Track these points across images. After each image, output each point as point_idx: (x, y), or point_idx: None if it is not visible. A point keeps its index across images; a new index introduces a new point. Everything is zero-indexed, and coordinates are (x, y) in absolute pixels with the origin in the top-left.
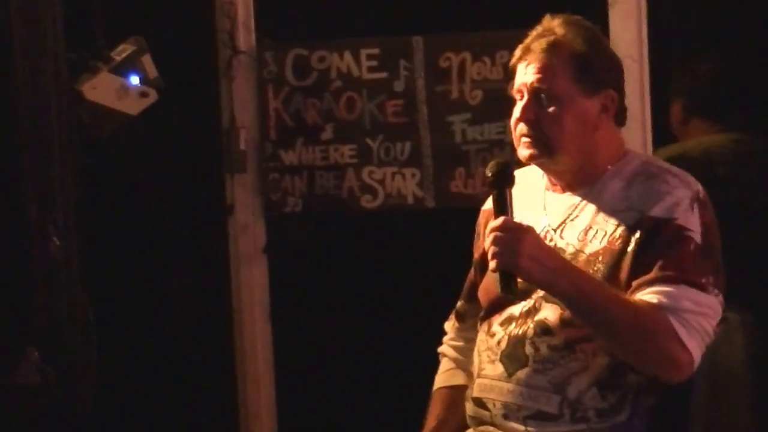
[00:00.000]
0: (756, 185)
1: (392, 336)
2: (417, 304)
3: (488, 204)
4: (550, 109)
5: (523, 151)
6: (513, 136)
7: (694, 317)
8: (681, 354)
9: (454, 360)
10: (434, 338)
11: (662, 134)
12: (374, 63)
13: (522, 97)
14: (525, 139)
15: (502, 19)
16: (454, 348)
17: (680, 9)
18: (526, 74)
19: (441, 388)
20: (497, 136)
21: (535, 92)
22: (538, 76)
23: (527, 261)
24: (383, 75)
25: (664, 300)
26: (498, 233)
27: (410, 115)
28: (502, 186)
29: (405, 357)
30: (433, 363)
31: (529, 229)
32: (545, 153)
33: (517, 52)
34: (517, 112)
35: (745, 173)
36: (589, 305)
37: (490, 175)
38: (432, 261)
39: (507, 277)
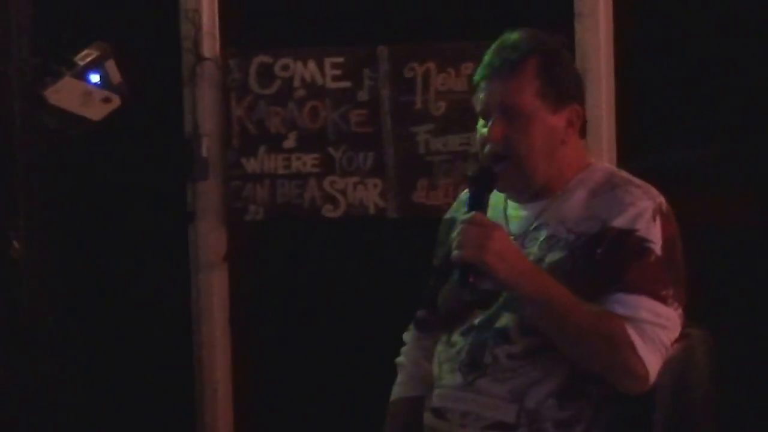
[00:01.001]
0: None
1: (352, 346)
2: (378, 315)
3: (449, 213)
4: (518, 127)
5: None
6: (480, 154)
7: (652, 328)
8: (637, 365)
9: (412, 370)
10: (394, 349)
11: (626, 147)
12: (338, 72)
13: (488, 115)
14: (494, 158)
15: (467, 30)
16: (412, 358)
17: (646, 22)
18: (491, 92)
19: (398, 399)
20: (461, 147)
21: (502, 110)
22: (505, 94)
23: (494, 257)
24: (347, 84)
25: (622, 309)
26: (468, 226)
27: (374, 125)
28: (481, 186)
29: (365, 367)
30: (393, 373)
31: (499, 227)
32: (515, 171)
33: (480, 70)
34: (484, 130)
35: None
36: (551, 310)
37: (472, 173)
38: (393, 272)
39: (466, 272)
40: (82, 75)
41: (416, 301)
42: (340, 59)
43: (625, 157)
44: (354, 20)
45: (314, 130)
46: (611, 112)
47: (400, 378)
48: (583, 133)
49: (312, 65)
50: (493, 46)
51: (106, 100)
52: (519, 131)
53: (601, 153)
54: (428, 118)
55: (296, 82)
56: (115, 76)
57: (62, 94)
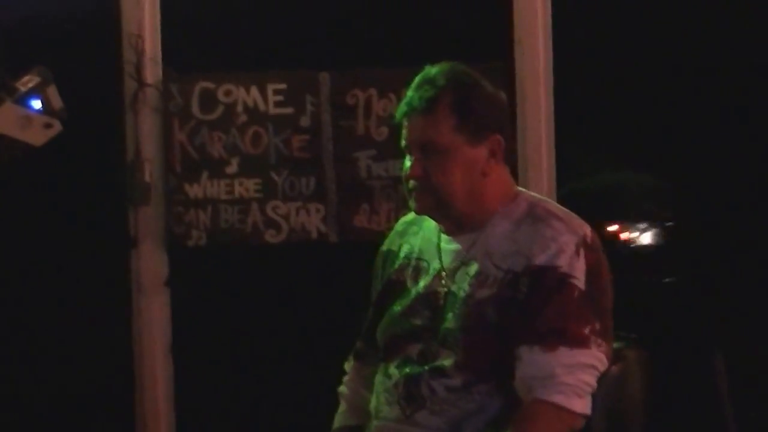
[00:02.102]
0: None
1: (295, 372)
2: (320, 340)
3: (386, 245)
4: (437, 162)
5: (414, 204)
6: (404, 190)
7: (569, 377)
8: (570, 419)
9: (352, 399)
10: (336, 375)
11: (566, 172)
12: (281, 98)
13: (410, 152)
14: (416, 194)
15: (408, 56)
16: (353, 388)
17: (584, 49)
18: (410, 130)
19: (339, 427)
20: (402, 172)
21: (421, 147)
22: (422, 130)
23: None
24: (289, 110)
25: (537, 371)
26: None
27: (315, 150)
28: None
29: (306, 393)
30: (334, 400)
31: None
32: (436, 205)
33: (401, 108)
34: (406, 168)
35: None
36: None
37: None
38: (335, 297)
39: None
40: (22, 101)
41: (358, 328)
42: (283, 85)
43: (564, 182)
44: (296, 47)
45: (256, 155)
46: (550, 138)
47: (340, 407)
48: (509, 160)
49: (254, 91)
50: (414, 82)
51: (48, 126)
52: (437, 166)
53: (541, 178)
54: (370, 143)
55: (239, 108)
56: (57, 102)
57: (2, 119)
